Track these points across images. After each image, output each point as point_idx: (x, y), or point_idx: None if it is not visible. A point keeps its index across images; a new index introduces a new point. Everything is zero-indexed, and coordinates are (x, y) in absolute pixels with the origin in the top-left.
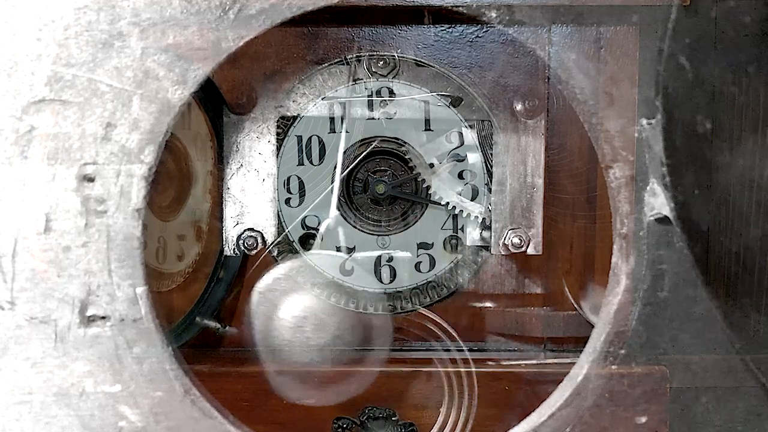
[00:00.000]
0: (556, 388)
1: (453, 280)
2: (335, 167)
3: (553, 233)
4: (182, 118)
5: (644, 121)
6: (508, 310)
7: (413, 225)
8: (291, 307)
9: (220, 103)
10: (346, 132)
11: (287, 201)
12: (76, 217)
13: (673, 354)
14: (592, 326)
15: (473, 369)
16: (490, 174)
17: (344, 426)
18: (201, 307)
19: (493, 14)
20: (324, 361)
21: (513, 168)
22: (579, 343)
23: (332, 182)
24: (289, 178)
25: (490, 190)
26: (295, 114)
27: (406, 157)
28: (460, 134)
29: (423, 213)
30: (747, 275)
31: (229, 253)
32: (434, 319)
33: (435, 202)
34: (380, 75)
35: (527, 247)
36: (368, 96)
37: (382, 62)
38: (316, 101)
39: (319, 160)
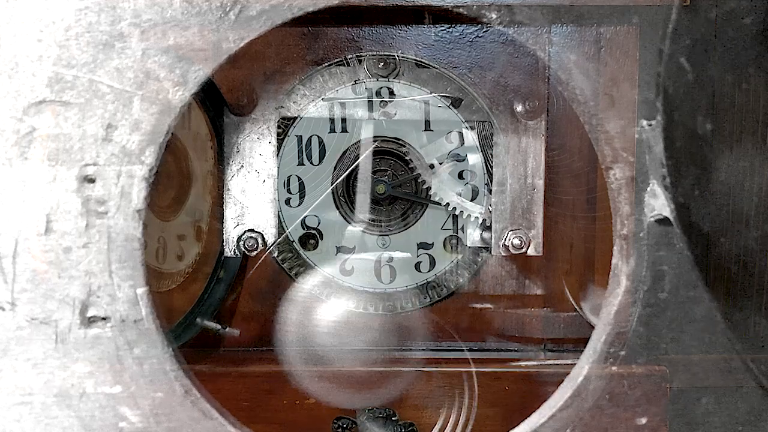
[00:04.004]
0: (557, 389)
1: (453, 280)
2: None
3: (554, 234)
4: (182, 119)
5: (644, 122)
6: (509, 311)
7: (413, 225)
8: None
9: (220, 104)
10: (346, 132)
11: (287, 201)
12: (77, 218)
13: (673, 354)
14: (593, 327)
15: (474, 369)
16: (490, 175)
17: (344, 426)
18: (201, 307)
19: (494, 15)
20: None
21: (513, 169)
22: (579, 343)
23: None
24: (289, 179)
25: (490, 191)
26: (296, 115)
27: (407, 158)
28: (461, 135)
29: (423, 213)
30: (747, 276)
31: (229, 254)
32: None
33: (435, 203)
34: (380, 76)
35: (527, 248)
36: (368, 97)
37: (382, 63)
38: (317, 102)
39: (319, 160)
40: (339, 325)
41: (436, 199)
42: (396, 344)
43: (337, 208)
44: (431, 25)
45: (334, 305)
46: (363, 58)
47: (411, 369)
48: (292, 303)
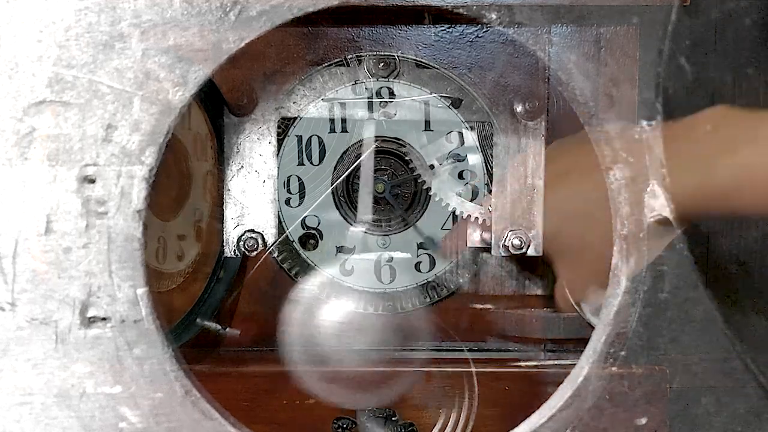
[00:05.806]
0: (557, 390)
1: (453, 280)
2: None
3: None
4: (182, 119)
5: (644, 123)
6: (509, 311)
7: (413, 225)
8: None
9: (220, 104)
10: (346, 132)
11: (287, 201)
12: (77, 218)
13: (673, 354)
14: (593, 327)
15: (474, 369)
16: (490, 175)
17: (344, 426)
18: (201, 307)
19: (494, 16)
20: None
21: (513, 169)
22: (579, 343)
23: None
24: (289, 179)
25: (490, 191)
26: (296, 115)
27: (407, 158)
28: (461, 135)
29: (423, 213)
30: (747, 276)
31: (229, 254)
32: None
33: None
34: (380, 76)
35: (527, 249)
36: (368, 97)
37: (382, 63)
38: (317, 102)
39: (319, 160)
40: (341, 325)
41: (436, 199)
42: (396, 344)
43: (338, 209)
44: (431, 25)
45: (335, 305)
46: (363, 58)
47: (410, 369)
48: (294, 303)
